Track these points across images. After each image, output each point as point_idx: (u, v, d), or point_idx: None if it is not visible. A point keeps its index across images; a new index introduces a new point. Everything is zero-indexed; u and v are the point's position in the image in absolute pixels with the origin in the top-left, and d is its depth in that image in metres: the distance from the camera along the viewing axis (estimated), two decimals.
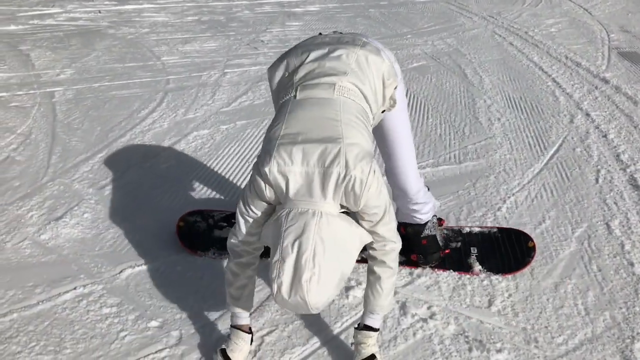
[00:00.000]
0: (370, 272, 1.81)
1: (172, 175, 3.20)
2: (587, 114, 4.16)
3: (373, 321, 1.86)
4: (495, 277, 2.34)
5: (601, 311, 2.15)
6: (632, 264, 2.42)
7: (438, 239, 2.44)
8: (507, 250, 2.49)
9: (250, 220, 1.72)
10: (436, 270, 2.40)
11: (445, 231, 2.63)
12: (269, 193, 1.62)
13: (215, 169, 3.30)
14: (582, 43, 6.35)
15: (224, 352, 1.88)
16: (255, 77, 4.96)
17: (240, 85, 4.72)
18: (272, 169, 1.57)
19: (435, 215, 2.47)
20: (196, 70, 5.08)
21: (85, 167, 3.26)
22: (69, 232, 2.65)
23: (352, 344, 1.94)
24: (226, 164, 3.37)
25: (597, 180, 3.16)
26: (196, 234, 2.60)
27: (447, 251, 2.49)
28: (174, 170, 3.27)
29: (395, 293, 2.23)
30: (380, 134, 2.13)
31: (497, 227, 2.65)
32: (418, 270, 2.39)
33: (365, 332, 1.86)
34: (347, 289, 2.26)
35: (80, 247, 2.54)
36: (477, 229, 2.64)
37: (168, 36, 6.23)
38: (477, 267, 2.40)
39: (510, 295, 2.24)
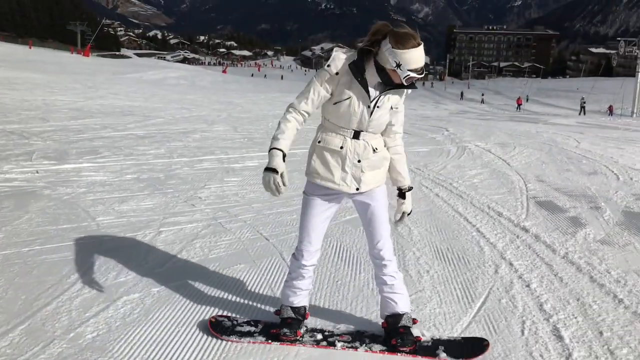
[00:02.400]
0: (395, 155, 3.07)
1: (97, 346, 3.08)
2: (511, 264, 4.37)
3: (406, 185, 3.14)
4: None
5: None
6: None
7: (412, 331, 3.07)
8: (467, 347, 3.05)
9: (319, 93, 2.81)
10: (409, 355, 2.97)
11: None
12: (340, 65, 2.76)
13: (145, 336, 3.20)
14: (503, 193, 6.82)
15: (270, 169, 2.75)
16: (190, 234, 5.01)
17: (175, 244, 4.74)
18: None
19: (410, 314, 3.10)
20: (131, 230, 5.10)
21: (4, 341, 3.10)
22: None
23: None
24: (156, 330, 3.29)
25: (522, 332, 3.26)
26: (222, 326, 3.24)
27: (420, 338, 3.08)
28: (101, 340, 3.15)
29: None
30: (367, 218, 3.06)
31: (461, 337, 3.19)
32: None
33: (406, 197, 3.15)
34: None
35: None
36: (445, 337, 3.19)
37: (105, 195, 6.29)
38: (443, 354, 2.95)
39: None
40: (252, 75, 75.00)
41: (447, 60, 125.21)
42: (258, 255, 4.52)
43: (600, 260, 4.49)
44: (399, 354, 2.98)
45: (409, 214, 3.19)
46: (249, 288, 3.91)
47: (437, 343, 3.06)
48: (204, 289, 3.87)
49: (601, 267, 4.34)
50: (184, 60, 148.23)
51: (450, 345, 3.05)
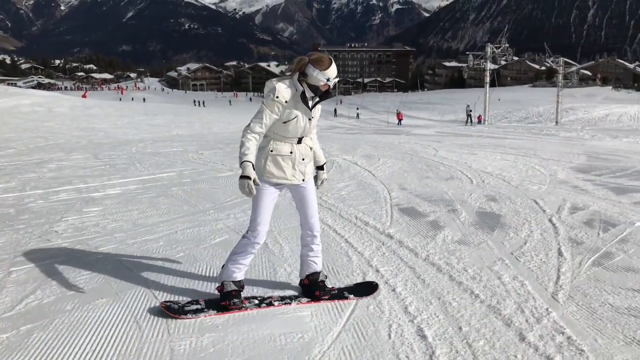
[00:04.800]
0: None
1: None
2: (377, 270, 4.52)
3: (323, 162, 4.08)
4: None
5: None
6: None
7: (327, 283, 4.05)
8: (364, 288, 4.11)
9: (270, 119, 3.61)
10: (328, 301, 3.91)
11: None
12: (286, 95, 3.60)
13: None
14: (369, 203, 7.06)
15: (245, 177, 3.46)
16: (45, 272, 4.62)
17: (28, 284, 4.35)
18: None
19: (323, 271, 4.08)
20: None
21: None
22: None
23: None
24: None
25: (389, 336, 3.36)
26: (173, 309, 3.73)
27: (334, 288, 4.06)
28: None
29: None
30: (302, 200, 3.89)
31: (355, 284, 4.25)
32: None
33: (324, 169, 4.10)
34: None
35: None
36: (344, 286, 4.22)
37: None
38: (351, 296, 3.97)
39: None
40: (128, 99, 73.31)
41: None
42: (121, 287, 4.27)
43: (458, 260, 4.78)
44: (321, 301, 3.90)
45: (326, 180, 4.18)
46: (111, 323, 3.68)
47: (343, 290, 4.09)
48: (62, 330, 3.58)
49: (459, 266, 4.62)
50: (39, 86, 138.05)
51: (353, 289, 4.10)
